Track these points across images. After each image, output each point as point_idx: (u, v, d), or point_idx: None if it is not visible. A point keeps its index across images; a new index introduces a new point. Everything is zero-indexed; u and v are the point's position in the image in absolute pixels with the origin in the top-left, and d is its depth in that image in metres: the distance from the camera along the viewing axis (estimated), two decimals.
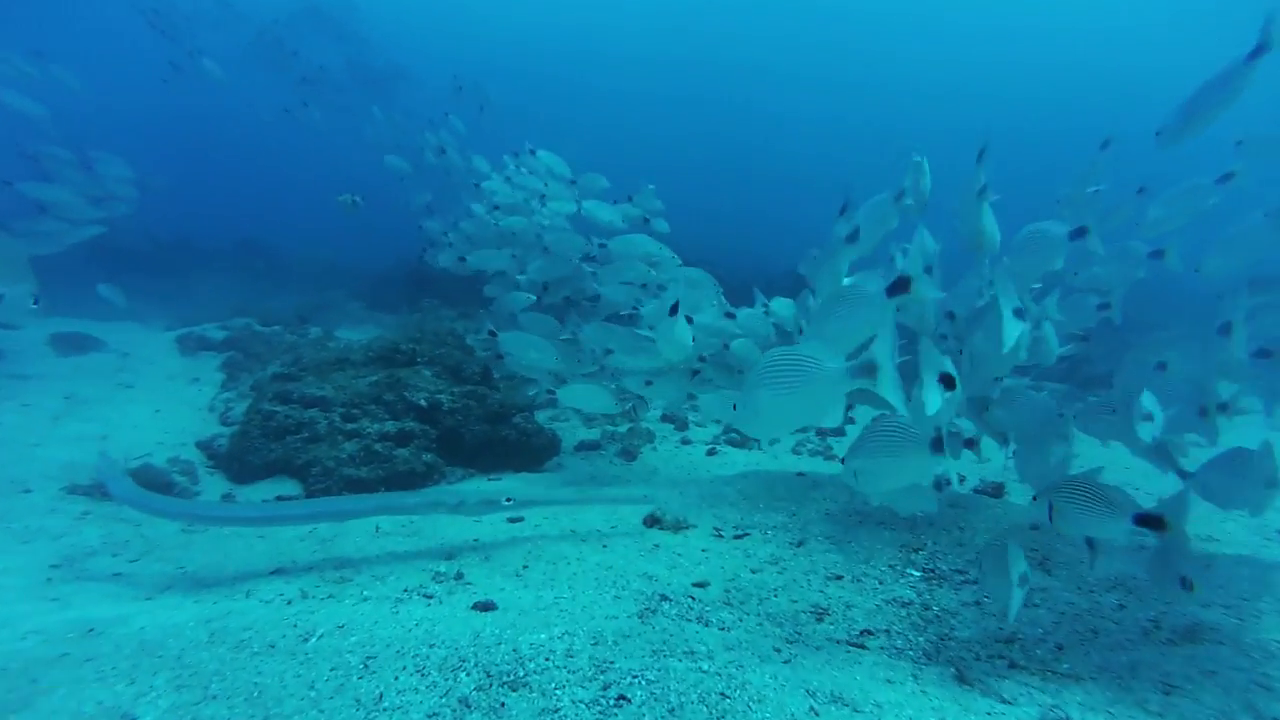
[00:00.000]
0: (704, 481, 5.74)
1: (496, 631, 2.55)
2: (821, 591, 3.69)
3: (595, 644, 2.47)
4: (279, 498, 5.77)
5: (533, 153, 8.06)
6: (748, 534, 4.55)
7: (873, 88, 53.53)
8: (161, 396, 7.32)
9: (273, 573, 4.02)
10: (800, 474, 5.54)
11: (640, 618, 2.94)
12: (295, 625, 2.59)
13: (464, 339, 8.49)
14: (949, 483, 4.78)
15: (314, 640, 2.45)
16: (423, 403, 6.66)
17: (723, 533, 4.61)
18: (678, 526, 4.71)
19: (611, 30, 51.81)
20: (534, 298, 6.57)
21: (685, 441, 8.09)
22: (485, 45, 47.07)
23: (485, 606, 3.14)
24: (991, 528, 4.32)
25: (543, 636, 2.50)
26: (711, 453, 7.50)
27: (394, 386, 6.79)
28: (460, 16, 48.15)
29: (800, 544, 4.34)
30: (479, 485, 6.08)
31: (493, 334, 5.77)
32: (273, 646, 2.39)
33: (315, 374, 7.02)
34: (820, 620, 3.37)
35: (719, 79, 53.66)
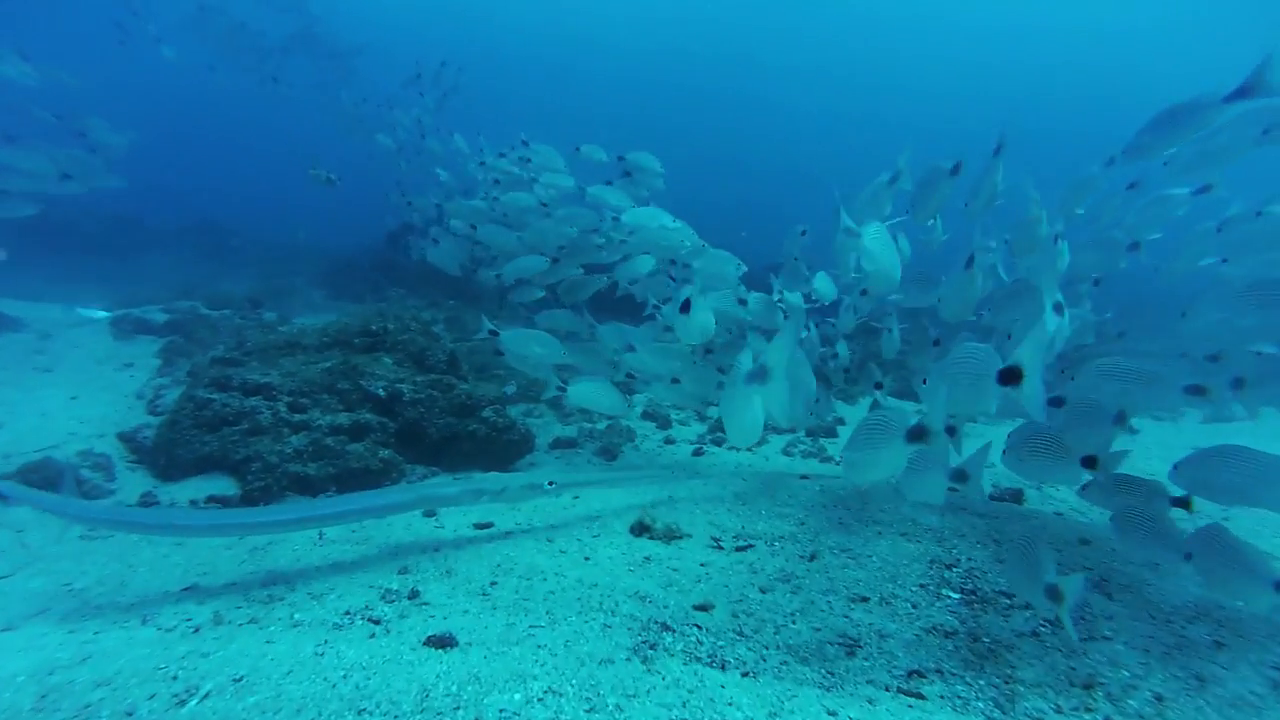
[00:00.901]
0: (695, 484, 5.10)
1: (454, 688, 1.86)
2: (847, 617, 3.07)
3: (591, 710, 1.79)
4: (211, 499, 4.97)
5: (525, 144, 7.55)
6: (751, 545, 3.91)
7: (863, 84, 53.57)
8: (83, 382, 6.40)
9: (185, 590, 3.27)
10: (804, 476, 4.93)
11: (642, 660, 2.27)
12: (175, 677, 1.86)
13: (430, 325, 7.73)
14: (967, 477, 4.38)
15: (194, 703, 1.74)
16: (381, 392, 5.90)
17: (722, 543, 3.97)
18: (670, 535, 4.05)
19: (601, 19, 51.00)
20: (544, 260, 5.99)
21: (669, 441, 7.44)
22: (467, 28, 46.07)
23: (442, 641, 2.44)
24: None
25: (517, 697, 1.81)
26: (698, 453, 6.87)
27: (349, 374, 6.02)
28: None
29: (813, 558, 3.71)
30: (517, 473, 5.42)
31: (494, 333, 5.16)
32: (130, 716, 1.67)
33: (260, 359, 6.20)
34: (852, 655, 2.75)
35: (709, 70, 53.25)
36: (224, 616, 2.93)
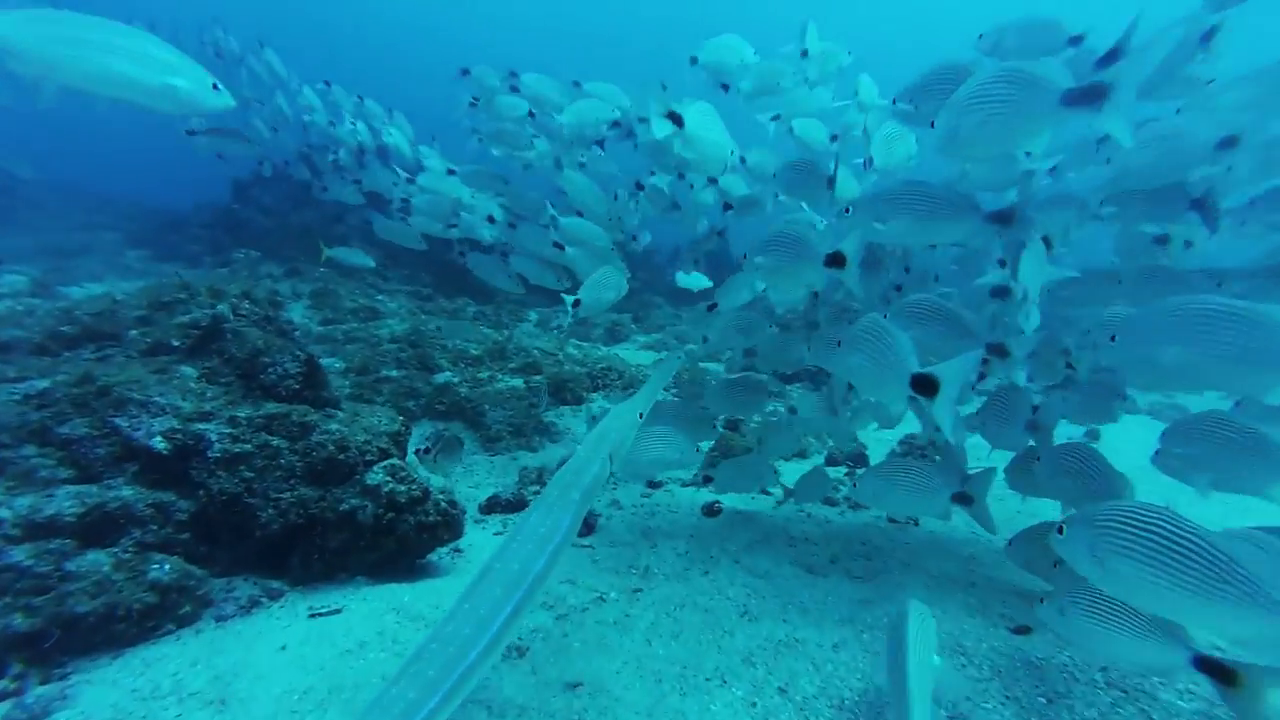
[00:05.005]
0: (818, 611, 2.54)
1: None
2: None
3: None
4: None
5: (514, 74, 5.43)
6: None
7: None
8: None
9: None
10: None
11: None
12: None
13: (278, 301, 4.65)
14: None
15: None
16: (159, 444, 2.86)
17: None
18: None
19: None
20: None
21: (652, 485, 4.85)
22: None
23: None
24: None
25: None
26: (714, 511, 4.30)
27: (93, 402, 2.91)
28: None
29: None
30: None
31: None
32: None
33: None
34: None
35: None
36: None
